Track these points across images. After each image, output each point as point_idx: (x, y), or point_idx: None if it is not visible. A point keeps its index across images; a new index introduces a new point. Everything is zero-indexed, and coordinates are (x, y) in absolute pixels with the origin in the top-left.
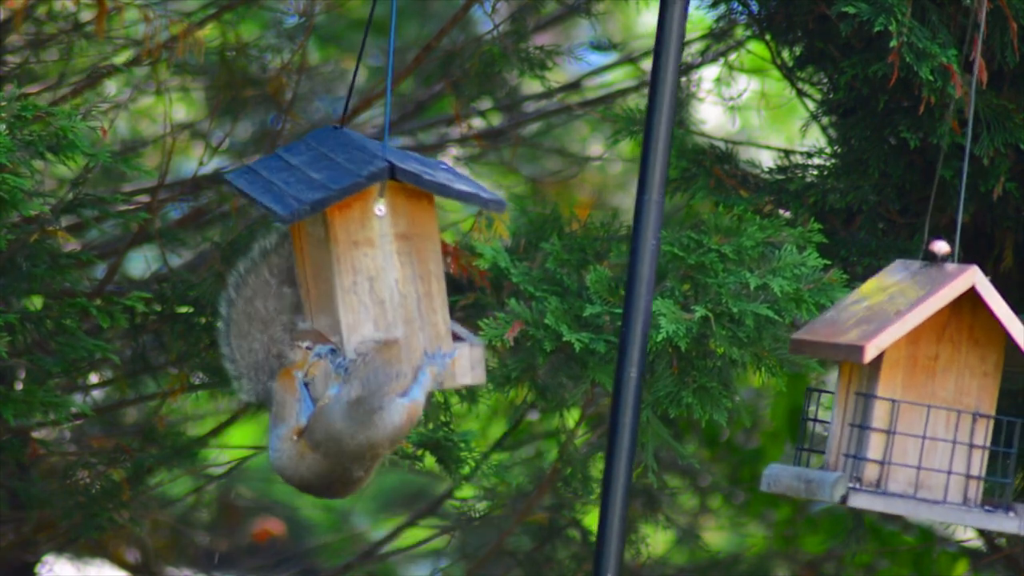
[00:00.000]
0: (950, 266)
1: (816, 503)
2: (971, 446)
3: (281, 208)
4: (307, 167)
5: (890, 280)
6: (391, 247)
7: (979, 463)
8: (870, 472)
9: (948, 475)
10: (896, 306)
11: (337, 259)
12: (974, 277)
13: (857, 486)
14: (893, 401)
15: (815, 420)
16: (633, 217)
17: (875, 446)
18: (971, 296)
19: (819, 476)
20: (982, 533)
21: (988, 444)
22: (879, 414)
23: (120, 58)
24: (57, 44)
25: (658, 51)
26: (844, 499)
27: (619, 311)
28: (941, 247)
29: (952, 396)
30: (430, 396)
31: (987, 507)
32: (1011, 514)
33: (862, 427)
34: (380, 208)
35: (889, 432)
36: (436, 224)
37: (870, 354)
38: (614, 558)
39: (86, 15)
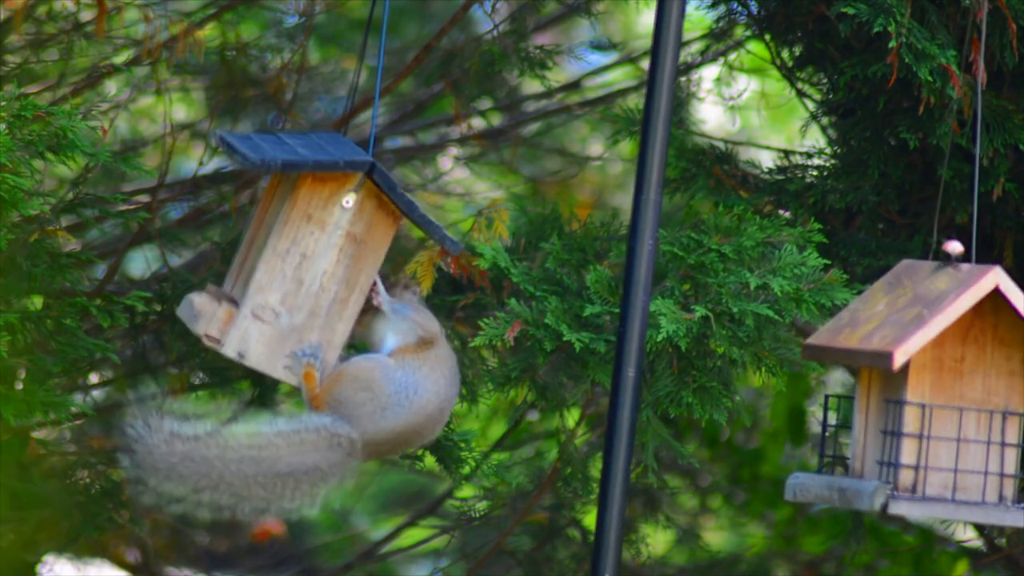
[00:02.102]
0: (965, 266)
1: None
2: (1003, 445)
3: (255, 155)
4: (297, 145)
5: (903, 283)
6: (338, 240)
7: (1012, 461)
8: (905, 477)
9: (984, 475)
10: (918, 310)
11: (284, 222)
12: (998, 277)
13: (894, 493)
14: (923, 406)
15: (825, 424)
16: (630, 216)
17: (908, 451)
18: (993, 296)
19: (854, 485)
20: (982, 533)
21: (1020, 442)
22: (910, 419)
23: (120, 58)
24: (57, 44)
25: (656, 50)
26: (885, 507)
27: (619, 311)
28: (955, 247)
29: (980, 396)
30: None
31: None
32: None
33: (894, 433)
34: (348, 200)
35: (922, 436)
36: (388, 246)
37: (899, 360)
38: (612, 557)
39: (86, 15)
